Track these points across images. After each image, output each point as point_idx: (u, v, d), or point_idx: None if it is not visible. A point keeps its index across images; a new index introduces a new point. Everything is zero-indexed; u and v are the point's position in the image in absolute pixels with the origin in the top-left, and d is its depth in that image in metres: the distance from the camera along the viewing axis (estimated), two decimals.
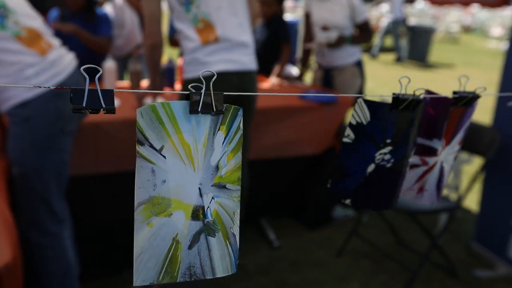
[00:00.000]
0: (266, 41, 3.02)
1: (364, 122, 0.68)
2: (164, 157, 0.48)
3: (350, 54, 2.81)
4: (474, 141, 2.15)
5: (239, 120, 0.55)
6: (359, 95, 0.63)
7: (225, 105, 0.52)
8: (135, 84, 2.43)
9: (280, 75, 2.97)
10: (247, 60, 1.97)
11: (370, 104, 0.67)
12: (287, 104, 2.42)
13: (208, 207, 0.52)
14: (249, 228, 2.60)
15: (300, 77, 3.12)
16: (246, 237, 2.51)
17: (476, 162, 3.03)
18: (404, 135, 0.70)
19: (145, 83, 1.94)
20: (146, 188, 0.47)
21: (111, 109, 0.45)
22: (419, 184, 0.80)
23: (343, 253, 2.45)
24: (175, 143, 0.49)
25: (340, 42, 2.70)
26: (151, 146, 0.48)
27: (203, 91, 0.50)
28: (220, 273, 0.52)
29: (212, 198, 0.52)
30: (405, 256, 2.45)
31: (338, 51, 2.77)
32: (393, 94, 0.63)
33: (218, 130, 0.52)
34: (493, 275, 2.30)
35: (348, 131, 0.68)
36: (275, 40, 3.01)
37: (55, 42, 1.61)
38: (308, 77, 3.14)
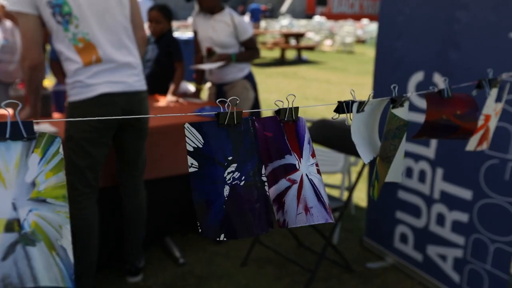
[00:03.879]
0: (158, 59, 3.03)
1: (200, 145, 0.69)
2: None
3: (238, 69, 2.92)
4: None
5: (57, 146, 0.58)
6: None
7: (38, 132, 0.55)
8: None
9: (176, 92, 3.00)
10: (133, 81, 1.97)
11: (198, 126, 0.69)
12: (182, 121, 2.45)
13: (25, 219, 0.55)
14: (153, 249, 2.57)
15: (197, 94, 3.18)
16: (151, 257, 2.48)
17: (362, 163, 3.30)
18: (244, 149, 0.73)
19: (25, 110, 1.84)
20: None
21: None
22: (302, 204, 0.83)
23: (248, 262, 2.52)
24: None
25: (225, 61, 2.79)
26: None
27: (10, 118, 0.52)
28: (45, 282, 0.54)
29: (30, 210, 0.55)
30: (306, 258, 2.59)
31: (226, 69, 2.87)
32: (216, 112, 0.68)
33: (32, 152, 0.56)
34: (383, 265, 2.52)
35: (190, 160, 0.68)
36: (168, 58, 3.04)
37: None
38: (205, 94, 3.20)
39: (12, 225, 0.53)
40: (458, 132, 1.23)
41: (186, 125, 0.67)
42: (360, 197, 3.42)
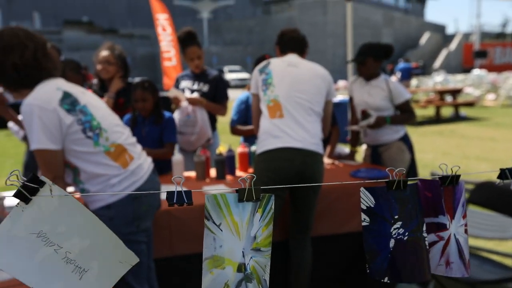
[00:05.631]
0: None
1: (372, 205, 0.84)
2: (221, 230, 0.74)
3: (394, 131, 2.97)
4: None
5: (271, 204, 0.78)
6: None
7: (261, 194, 0.76)
8: (200, 173, 2.74)
9: (332, 154, 3.17)
10: (310, 143, 2.22)
11: (371, 189, 0.84)
12: (339, 185, 2.57)
13: (248, 263, 0.76)
14: None
15: (351, 155, 3.29)
16: None
17: None
18: (408, 210, 0.84)
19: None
20: (210, 249, 0.73)
21: (190, 203, 0.69)
22: (444, 258, 0.92)
23: None
24: (228, 222, 0.74)
25: (379, 123, 2.88)
26: (213, 222, 0.73)
27: (247, 188, 0.74)
28: None
29: (251, 257, 0.77)
30: None
31: (381, 130, 2.94)
32: (386, 180, 0.81)
33: (256, 212, 0.77)
34: None
35: (363, 216, 0.85)
36: None
37: (136, 150, 1.90)
38: (360, 156, 3.30)
39: (241, 268, 0.76)
40: None
41: (362, 188, 0.83)
42: None
